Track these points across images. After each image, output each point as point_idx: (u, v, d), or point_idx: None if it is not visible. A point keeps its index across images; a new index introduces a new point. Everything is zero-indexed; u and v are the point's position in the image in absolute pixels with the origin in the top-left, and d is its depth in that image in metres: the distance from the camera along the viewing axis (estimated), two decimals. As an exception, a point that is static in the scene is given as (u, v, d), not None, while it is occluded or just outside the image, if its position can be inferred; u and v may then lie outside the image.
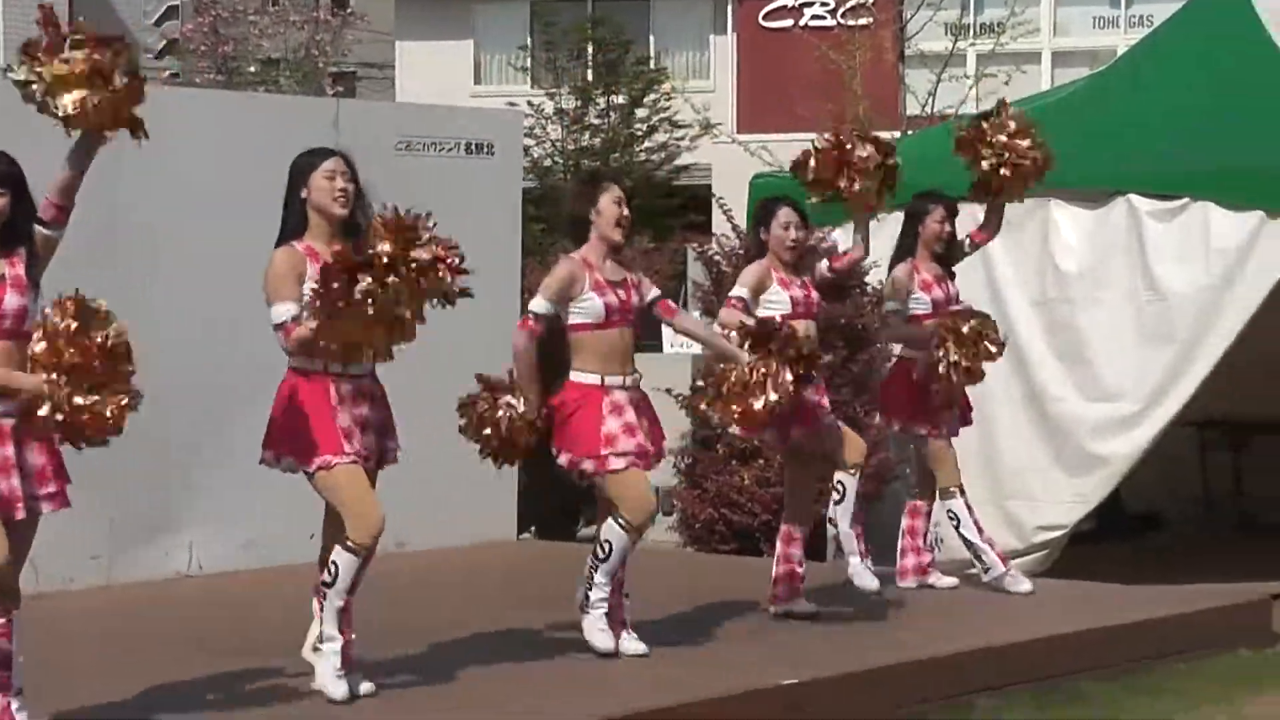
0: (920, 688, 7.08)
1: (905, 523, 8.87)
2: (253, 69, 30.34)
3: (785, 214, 7.97)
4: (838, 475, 7.93)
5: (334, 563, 6.24)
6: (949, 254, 8.77)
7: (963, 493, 8.58)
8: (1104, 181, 10.06)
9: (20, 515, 5.51)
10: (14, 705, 5.63)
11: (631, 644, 7.11)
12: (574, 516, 11.08)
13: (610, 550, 6.97)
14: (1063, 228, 10.14)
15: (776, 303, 7.83)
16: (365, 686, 6.33)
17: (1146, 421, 9.73)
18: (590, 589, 7.05)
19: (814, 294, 8.05)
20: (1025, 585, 8.57)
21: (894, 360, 8.95)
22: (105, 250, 8.91)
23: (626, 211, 7.03)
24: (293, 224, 6.50)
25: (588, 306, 6.95)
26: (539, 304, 6.96)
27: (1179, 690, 7.52)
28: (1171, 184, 9.83)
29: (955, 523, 8.59)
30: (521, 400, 6.96)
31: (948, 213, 8.72)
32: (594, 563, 7.04)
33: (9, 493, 5.49)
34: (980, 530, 8.61)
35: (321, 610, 6.35)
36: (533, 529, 10.90)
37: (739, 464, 10.29)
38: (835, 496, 7.93)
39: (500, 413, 6.98)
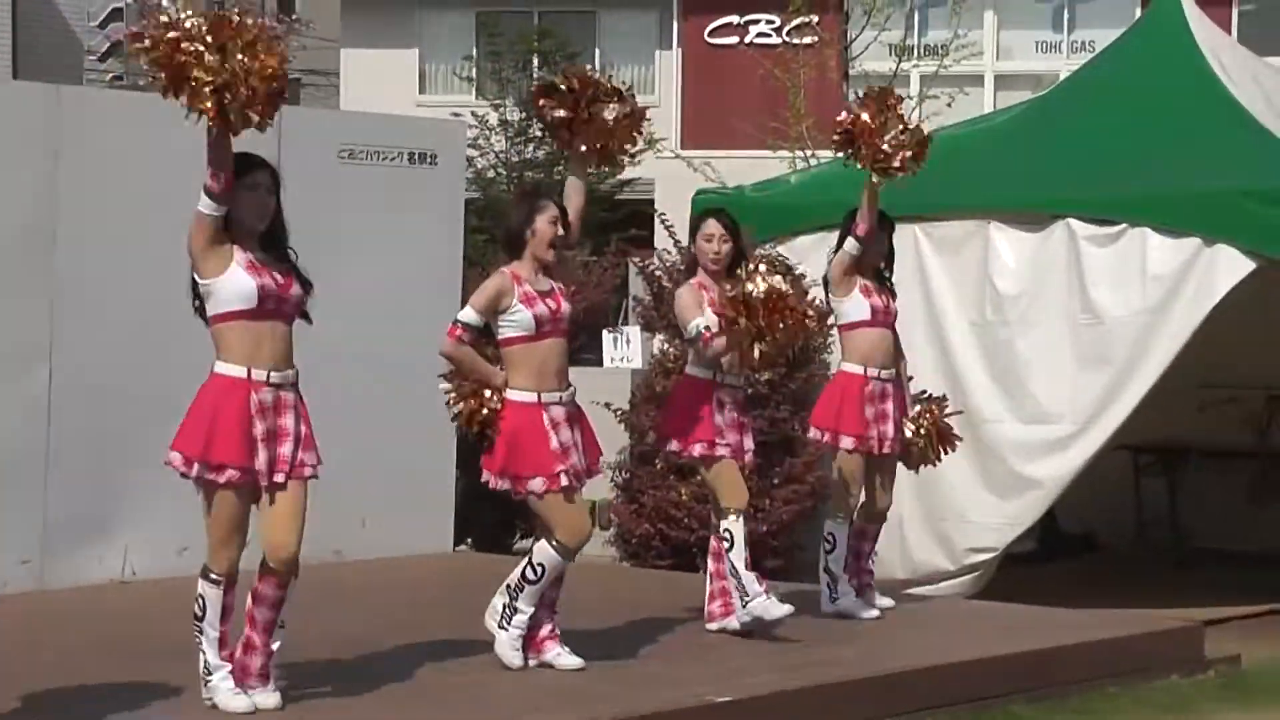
0: (855, 707, 7.05)
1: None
2: (197, 73, 30.17)
3: (710, 225, 7.97)
4: (723, 524, 7.84)
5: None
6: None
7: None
8: (1043, 205, 10.08)
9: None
10: None
11: (567, 658, 7.07)
12: (511, 529, 11.02)
13: (542, 573, 6.93)
14: (1001, 250, 10.15)
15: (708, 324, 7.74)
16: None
17: (1079, 444, 9.74)
18: (513, 606, 7.00)
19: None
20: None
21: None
22: (43, 251, 8.83)
23: (560, 231, 7.03)
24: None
25: (518, 319, 6.94)
26: (468, 314, 6.99)
27: (1111, 714, 7.53)
28: (1110, 209, 9.86)
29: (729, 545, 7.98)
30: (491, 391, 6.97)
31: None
32: (519, 583, 7.00)
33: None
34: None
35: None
36: (469, 541, 10.85)
37: (676, 479, 10.26)
38: (726, 545, 7.84)
39: (486, 409, 6.96)
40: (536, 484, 6.90)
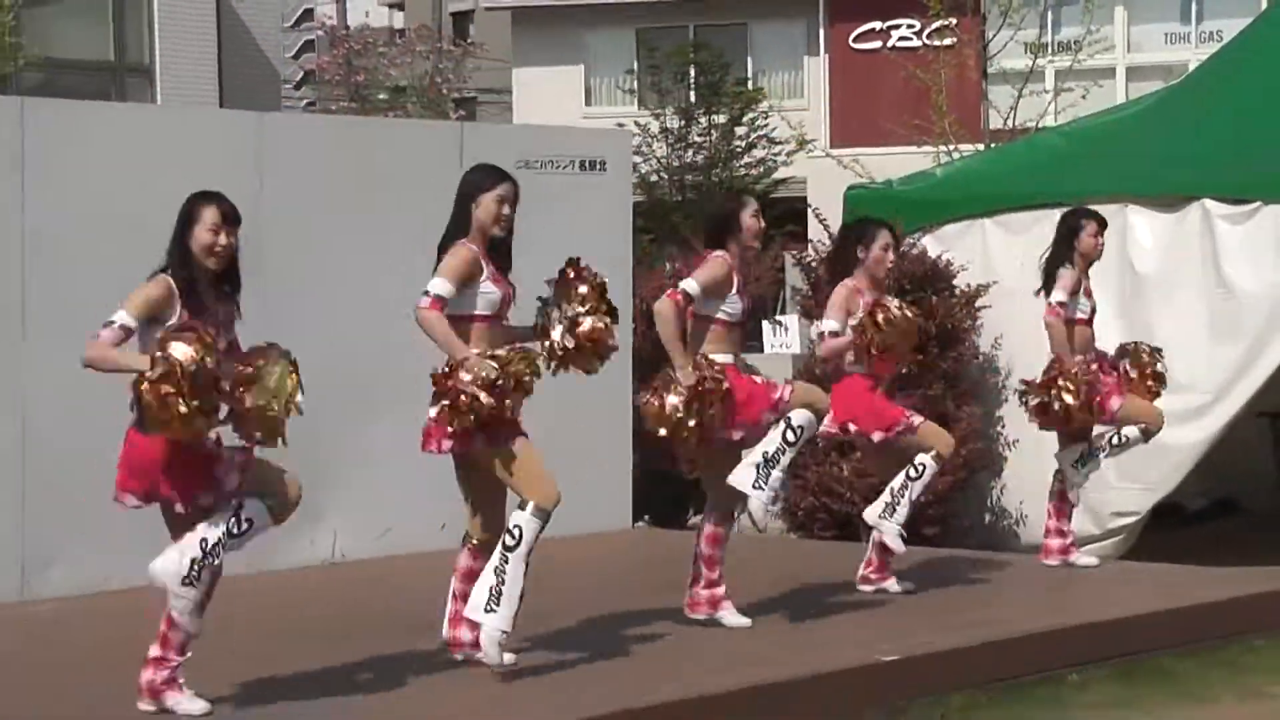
0: (1013, 663, 7.00)
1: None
2: (383, 96, 30.61)
3: (887, 236, 8.01)
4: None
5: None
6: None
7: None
8: (1179, 188, 9.91)
9: None
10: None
11: (734, 618, 7.19)
12: (684, 506, 11.06)
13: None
14: (1139, 232, 10.00)
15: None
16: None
17: (1214, 413, 9.58)
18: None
19: None
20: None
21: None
22: (253, 266, 9.01)
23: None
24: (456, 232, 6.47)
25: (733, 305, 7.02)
26: (443, 286, 6.31)
27: (1261, 666, 7.40)
28: (1243, 188, 9.68)
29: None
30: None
31: (1099, 226, 8.58)
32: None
33: None
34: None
35: None
36: (646, 518, 10.90)
37: (838, 456, 10.24)
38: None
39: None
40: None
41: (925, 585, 8.26)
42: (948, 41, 19.95)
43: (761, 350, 12.58)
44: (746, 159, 23.92)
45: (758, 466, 7.09)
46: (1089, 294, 8.55)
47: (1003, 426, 10.47)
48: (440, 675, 6.44)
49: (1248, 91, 10.42)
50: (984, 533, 10.38)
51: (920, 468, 7.93)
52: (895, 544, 7.89)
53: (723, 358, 7.12)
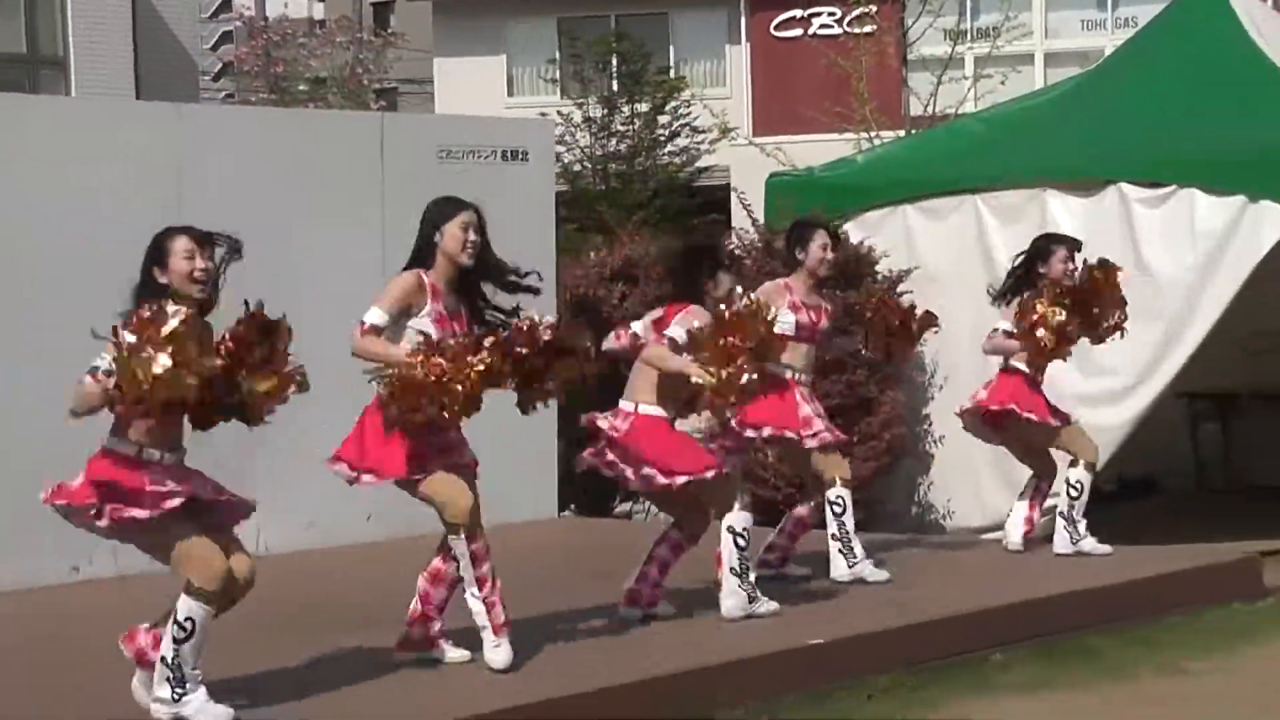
0: (940, 644, 7.08)
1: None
2: (303, 87, 30.43)
3: (822, 235, 8.07)
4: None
5: None
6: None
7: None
8: (1095, 172, 10.03)
9: None
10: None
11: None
12: (610, 494, 11.08)
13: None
14: (1057, 215, 10.11)
15: (783, 323, 7.67)
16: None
17: (1139, 393, 9.71)
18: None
19: (821, 323, 8.08)
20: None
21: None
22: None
23: (474, 237, 6.35)
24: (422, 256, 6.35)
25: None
26: (375, 315, 6.24)
27: (1179, 642, 7.51)
28: (1159, 172, 9.80)
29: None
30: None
31: (1070, 251, 8.67)
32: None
33: None
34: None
35: None
36: (572, 506, 10.92)
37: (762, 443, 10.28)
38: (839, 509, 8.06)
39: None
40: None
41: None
42: (868, 29, 20.04)
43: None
44: (670, 148, 23.94)
45: (738, 586, 7.18)
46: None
47: (929, 417, 10.56)
48: (369, 668, 6.44)
49: (1162, 77, 10.55)
50: (909, 518, 10.48)
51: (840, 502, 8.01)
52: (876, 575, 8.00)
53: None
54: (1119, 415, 9.75)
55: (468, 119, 13.19)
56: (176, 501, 5.55)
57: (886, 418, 10.29)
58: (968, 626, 7.27)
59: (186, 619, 5.56)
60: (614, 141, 23.63)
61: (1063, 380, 9.91)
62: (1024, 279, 8.68)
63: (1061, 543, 8.59)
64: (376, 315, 6.20)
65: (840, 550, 7.98)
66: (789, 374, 7.89)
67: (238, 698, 5.82)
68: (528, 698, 5.91)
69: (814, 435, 7.92)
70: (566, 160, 22.49)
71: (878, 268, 10.67)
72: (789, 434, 7.89)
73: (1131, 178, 9.84)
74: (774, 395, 7.75)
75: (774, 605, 7.24)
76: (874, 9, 20.09)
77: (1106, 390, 9.80)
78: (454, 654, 6.47)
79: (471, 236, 6.33)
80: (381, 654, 6.52)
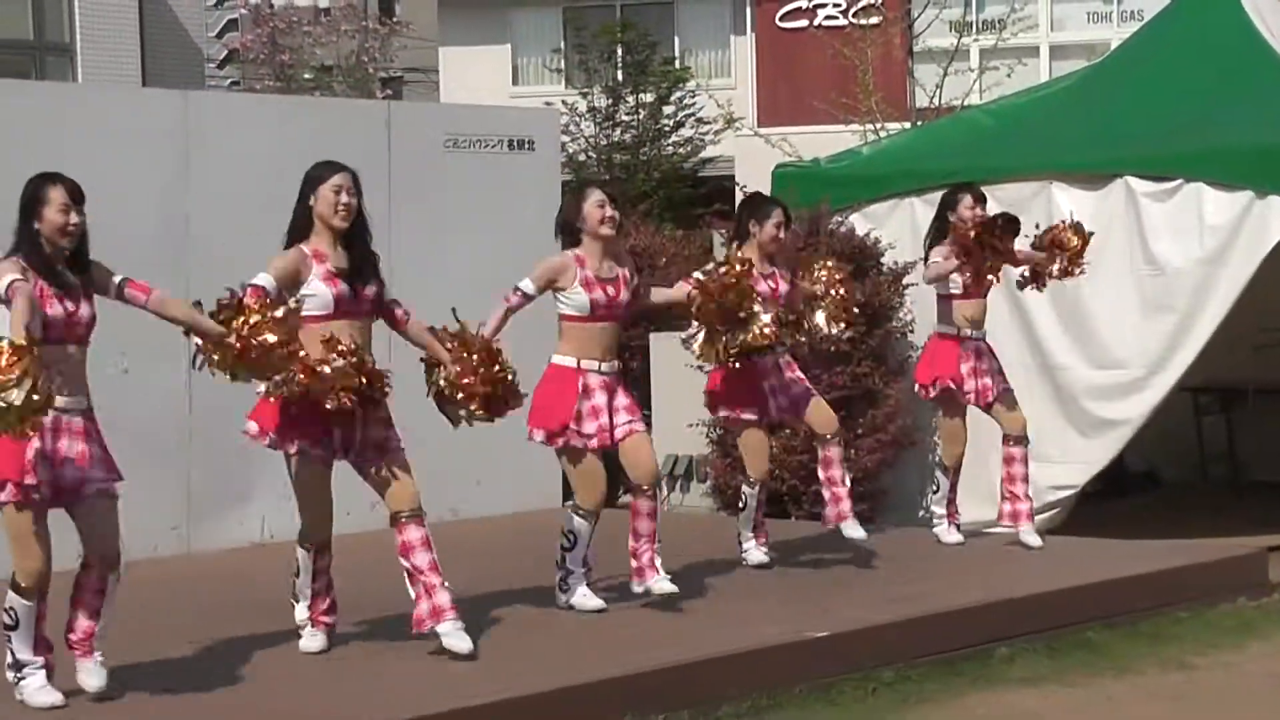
0: (943, 637, 7.05)
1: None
2: (308, 75, 30.37)
3: (778, 214, 8.10)
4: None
5: None
6: None
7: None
8: (1102, 165, 9.99)
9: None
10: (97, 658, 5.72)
11: (663, 584, 7.17)
12: (614, 486, 11.04)
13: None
14: (1064, 208, 10.06)
15: None
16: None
17: (1150, 387, 9.67)
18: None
19: (781, 286, 8.12)
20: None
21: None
22: (176, 244, 8.94)
23: (346, 200, 6.46)
24: (299, 227, 6.47)
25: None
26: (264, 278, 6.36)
27: (1183, 637, 7.49)
28: (1166, 165, 9.76)
29: None
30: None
31: (975, 199, 8.70)
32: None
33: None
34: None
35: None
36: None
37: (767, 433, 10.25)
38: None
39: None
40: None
41: (855, 561, 8.31)
42: (874, 20, 19.99)
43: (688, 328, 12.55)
44: (674, 138, 23.88)
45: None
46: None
47: (935, 410, 10.51)
48: (371, 653, 6.42)
49: (1169, 70, 10.51)
50: (913, 510, 10.44)
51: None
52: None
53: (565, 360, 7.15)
54: (1130, 409, 9.73)
55: (474, 108, 13.17)
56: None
57: (892, 410, 10.25)
58: (973, 620, 7.24)
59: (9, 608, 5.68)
60: (619, 131, 23.57)
61: (1072, 373, 9.92)
62: (939, 232, 8.72)
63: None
64: (263, 278, 6.30)
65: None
66: None
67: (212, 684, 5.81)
68: (523, 690, 5.88)
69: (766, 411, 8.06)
70: (571, 150, 22.44)
71: (883, 259, 10.63)
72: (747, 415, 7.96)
73: (1138, 171, 9.80)
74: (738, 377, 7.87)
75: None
76: (880, 0, 20.04)
77: (1116, 383, 9.77)
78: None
79: (344, 199, 6.41)
80: (388, 641, 6.51)
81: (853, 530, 8.08)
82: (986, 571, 8.26)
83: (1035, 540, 8.74)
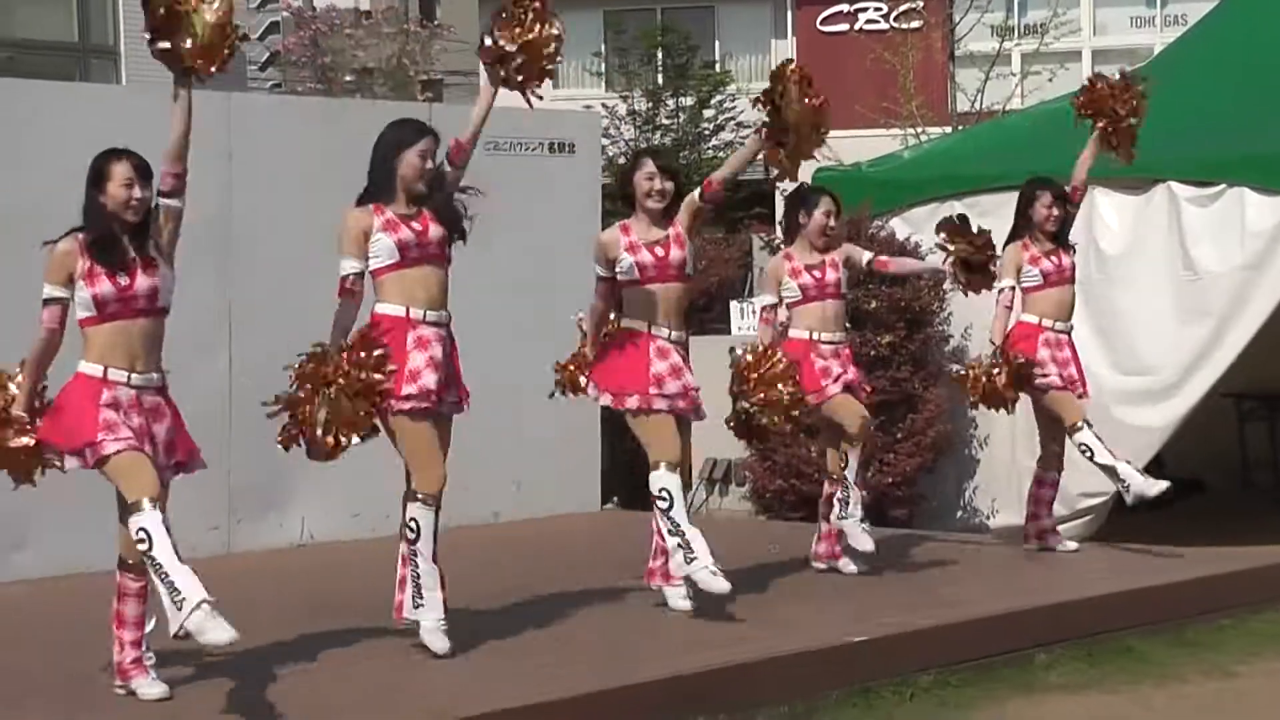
0: (981, 643, 7.02)
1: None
2: (349, 78, 30.49)
3: (826, 203, 8.05)
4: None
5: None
6: (1061, 234, 8.68)
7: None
8: (1145, 170, 9.93)
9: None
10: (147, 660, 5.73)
11: (680, 601, 7.15)
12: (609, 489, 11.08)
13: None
14: (1105, 213, 10.04)
15: (789, 293, 7.98)
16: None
17: (1182, 393, 9.63)
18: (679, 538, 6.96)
19: (828, 275, 8.06)
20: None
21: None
22: (221, 244, 8.98)
23: (429, 164, 6.49)
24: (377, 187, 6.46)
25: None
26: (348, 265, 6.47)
27: (1226, 645, 7.44)
28: (1209, 171, 9.71)
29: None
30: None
31: (1054, 196, 8.64)
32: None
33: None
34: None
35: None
36: (615, 499, 10.91)
37: (806, 437, 10.24)
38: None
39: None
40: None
41: (893, 566, 8.29)
42: (915, 24, 19.97)
43: (729, 332, 12.58)
44: (714, 141, 23.91)
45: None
46: (1035, 261, 8.56)
47: (974, 417, 10.50)
48: (403, 655, 6.44)
49: (1212, 75, 10.47)
50: (952, 515, 10.42)
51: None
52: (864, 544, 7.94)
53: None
54: (1160, 416, 9.68)
55: (514, 111, 13.13)
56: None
57: (931, 415, 10.24)
58: (1012, 625, 7.21)
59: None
60: (659, 135, 23.61)
61: (1099, 377, 9.86)
62: (1017, 228, 8.65)
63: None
64: (348, 265, 6.35)
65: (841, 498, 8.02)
66: (808, 335, 7.90)
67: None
68: (560, 693, 5.89)
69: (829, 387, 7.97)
70: (611, 153, 22.49)
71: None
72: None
73: (1181, 177, 9.75)
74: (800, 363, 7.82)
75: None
76: (921, 4, 20.01)
77: (1145, 389, 9.72)
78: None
79: (427, 165, 6.44)
80: (419, 642, 6.53)
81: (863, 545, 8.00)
82: (1026, 576, 8.23)
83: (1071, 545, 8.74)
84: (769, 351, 7.56)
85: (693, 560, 6.84)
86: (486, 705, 5.72)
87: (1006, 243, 8.66)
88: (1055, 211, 8.61)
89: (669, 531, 6.92)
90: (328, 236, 8.86)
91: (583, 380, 7.34)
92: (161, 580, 5.44)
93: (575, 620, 7.07)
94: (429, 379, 6.29)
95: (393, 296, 6.37)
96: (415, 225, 6.41)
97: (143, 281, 5.73)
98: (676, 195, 7.14)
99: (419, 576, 6.38)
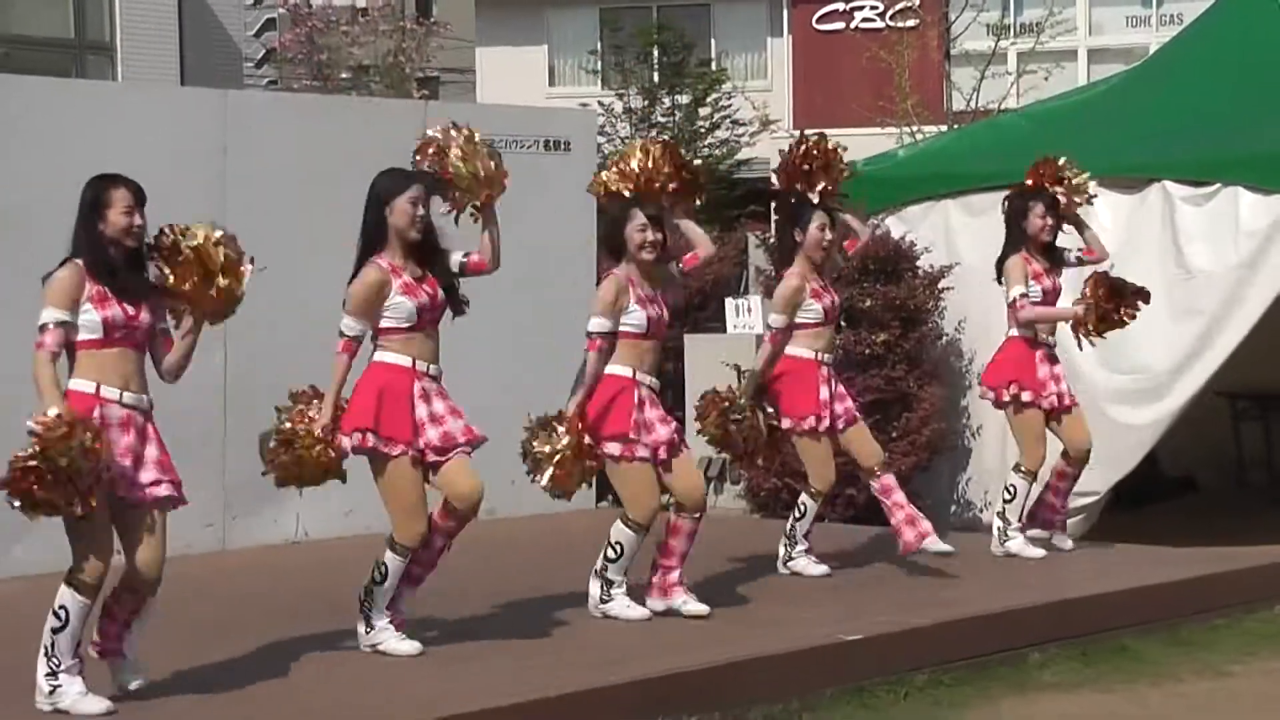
0: (977, 642, 7.02)
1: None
2: (345, 75, 30.46)
3: (819, 217, 8.00)
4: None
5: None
6: (1053, 246, 8.68)
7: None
8: (1140, 169, 9.93)
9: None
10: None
11: (693, 605, 7.11)
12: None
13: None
14: (1100, 212, 10.02)
15: (810, 313, 7.95)
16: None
17: (1174, 392, 9.60)
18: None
19: (838, 299, 8.16)
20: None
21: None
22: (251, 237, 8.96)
23: (422, 213, 6.42)
24: (373, 240, 6.44)
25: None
26: (348, 325, 6.45)
27: (1220, 644, 7.45)
28: (1203, 170, 9.70)
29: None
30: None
31: (1046, 206, 8.63)
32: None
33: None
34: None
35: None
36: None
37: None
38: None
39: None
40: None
41: (887, 565, 8.29)
42: (911, 23, 19.97)
43: (724, 330, 12.55)
44: (710, 139, 23.88)
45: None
46: (1038, 278, 8.59)
47: (967, 411, 10.50)
48: (389, 656, 6.43)
49: (1207, 74, 10.46)
50: (947, 514, 10.41)
51: (802, 507, 8.12)
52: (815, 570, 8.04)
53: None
54: (1152, 414, 9.66)
55: (510, 108, 13.19)
56: None
57: (926, 414, 10.23)
58: (1006, 624, 7.22)
59: (60, 607, 5.63)
60: (654, 133, 23.56)
61: (1091, 376, 9.86)
62: (1013, 240, 8.63)
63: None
64: (348, 325, 6.40)
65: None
66: (813, 355, 7.90)
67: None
68: (551, 690, 5.88)
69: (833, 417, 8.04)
70: (607, 151, 22.45)
71: (918, 263, 10.61)
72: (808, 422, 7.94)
73: (1176, 176, 9.75)
74: (797, 382, 7.89)
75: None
76: (917, 3, 20.01)
77: (1136, 388, 9.71)
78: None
79: (420, 211, 6.39)
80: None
81: (937, 545, 7.97)
82: (1021, 575, 8.23)
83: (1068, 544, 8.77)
84: (731, 402, 7.71)
85: (607, 602, 7.02)
86: (479, 704, 5.72)
87: (1004, 255, 8.66)
88: (1049, 221, 8.60)
89: (598, 573, 7.09)
90: (323, 233, 8.90)
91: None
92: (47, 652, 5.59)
93: (568, 619, 7.06)
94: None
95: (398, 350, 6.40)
96: (427, 290, 6.42)
97: (146, 315, 5.73)
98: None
99: (373, 606, 6.40)
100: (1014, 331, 8.66)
